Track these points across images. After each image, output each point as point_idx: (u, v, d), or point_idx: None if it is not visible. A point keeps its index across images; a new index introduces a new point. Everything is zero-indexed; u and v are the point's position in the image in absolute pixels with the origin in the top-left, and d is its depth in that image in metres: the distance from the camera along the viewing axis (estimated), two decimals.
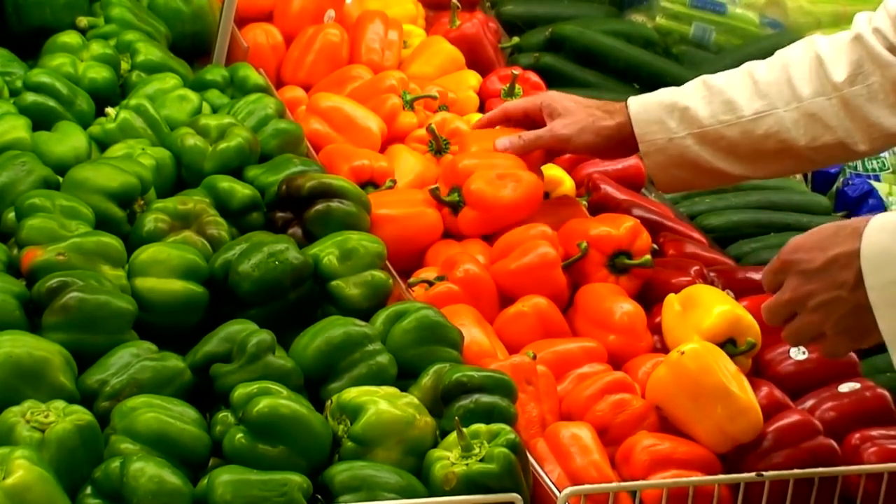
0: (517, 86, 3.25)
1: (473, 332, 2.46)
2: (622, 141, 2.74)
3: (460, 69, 3.33)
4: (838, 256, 1.91)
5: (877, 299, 1.86)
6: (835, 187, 3.54)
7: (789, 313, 1.97)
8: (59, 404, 2.03)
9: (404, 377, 2.28)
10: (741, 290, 2.69)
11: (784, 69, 2.64)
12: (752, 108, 2.64)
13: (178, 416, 2.09)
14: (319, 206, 2.56)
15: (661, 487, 2.24)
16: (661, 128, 2.69)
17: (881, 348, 2.79)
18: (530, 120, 2.83)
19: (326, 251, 2.44)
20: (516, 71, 3.28)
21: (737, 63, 3.75)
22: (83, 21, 2.98)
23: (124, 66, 2.92)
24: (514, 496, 2.09)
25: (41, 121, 2.67)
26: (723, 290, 2.63)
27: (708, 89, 2.69)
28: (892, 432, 2.43)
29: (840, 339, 1.96)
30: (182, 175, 2.66)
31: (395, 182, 2.81)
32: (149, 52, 2.94)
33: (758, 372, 2.53)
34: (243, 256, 2.36)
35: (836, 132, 2.58)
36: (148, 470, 1.98)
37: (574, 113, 2.76)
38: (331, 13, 3.34)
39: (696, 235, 2.99)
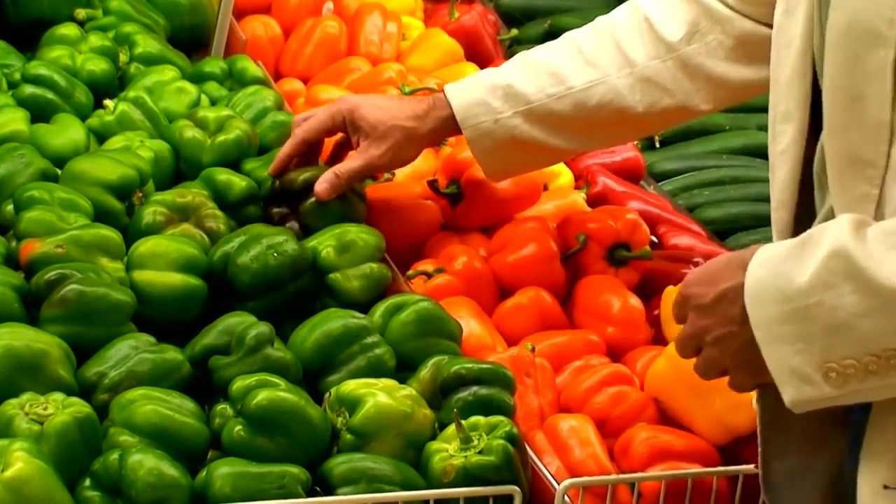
0: None
1: (472, 325, 2.47)
2: (445, 136, 2.63)
3: (459, 61, 3.33)
4: (727, 291, 1.82)
5: (761, 336, 1.76)
6: None
7: (695, 347, 1.88)
8: (58, 397, 2.03)
9: (403, 370, 2.28)
10: None
11: (611, 35, 2.51)
12: (582, 78, 2.49)
13: (176, 409, 2.09)
14: (314, 199, 2.55)
15: (660, 479, 2.25)
16: (484, 109, 2.52)
17: None
18: (334, 133, 2.64)
19: (325, 243, 2.44)
20: None
21: None
22: (81, 13, 2.98)
23: (122, 58, 2.91)
24: (513, 488, 2.09)
25: (39, 113, 2.67)
26: None
27: (530, 64, 2.54)
28: None
29: (741, 374, 1.87)
30: (180, 167, 2.66)
31: (393, 174, 2.80)
32: (147, 44, 2.93)
33: None
34: (242, 249, 2.36)
35: (675, 94, 2.47)
36: (147, 462, 1.98)
37: (384, 129, 2.54)
38: (329, 5, 3.34)
39: (695, 228, 2.99)
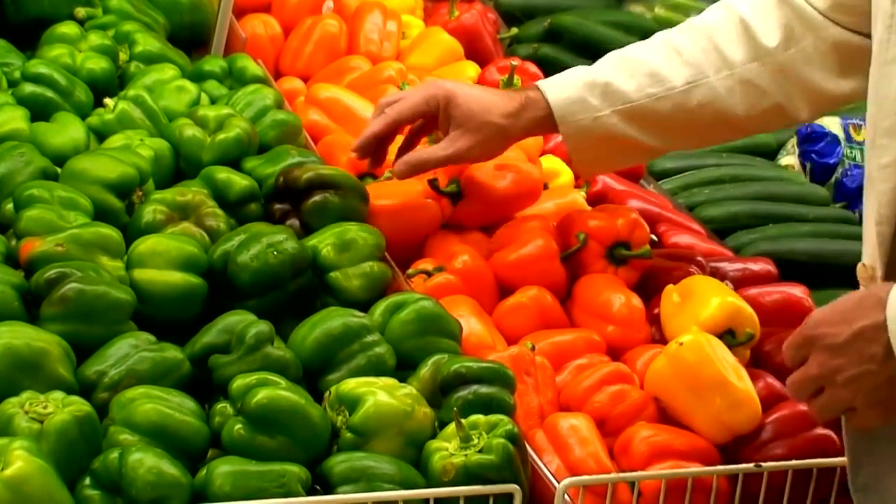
0: (515, 76, 3.25)
1: (472, 323, 2.47)
2: (537, 134, 2.65)
3: (459, 60, 3.33)
4: (864, 329, 1.81)
5: None
6: (833, 178, 3.54)
7: (816, 388, 1.87)
8: (58, 395, 2.03)
9: (403, 368, 2.28)
10: (740, 282, 2.69)
11: (707, 37, 2.50)
12: (681, 79, 2.49)
13: (176, 407, 2.09)
14: (317, 198, 2.55)
15: (660, 478, 2.25)
16: (583, 107, 2.51)
17: None
18: (425, 116, 2.61)
19: (325, 242, 2.44)
20: (515, 62, 3.27)
21: None
22: (81, 12, 2.98)
23: (122, 56, 2.91)
24: (513, 487, 2.09)
25: (39, 112, 2.67)
26: (721, 281, 2.63)
27: (627, 62, 2.53)
28: None
29: (872, 413, 1.86)
30: (180, 166, 2.66)
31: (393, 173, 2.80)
32: (147, 42, 2.93)
33: (756, 363, 2.53)
34: (242, 247, 2.36)
35: (776, 98, 2.47)
36: (146, 461, 1.98)
37: (477, 123, 2.53)
38: (329, 4, 3.34)
39: (695, 226, 2.99)
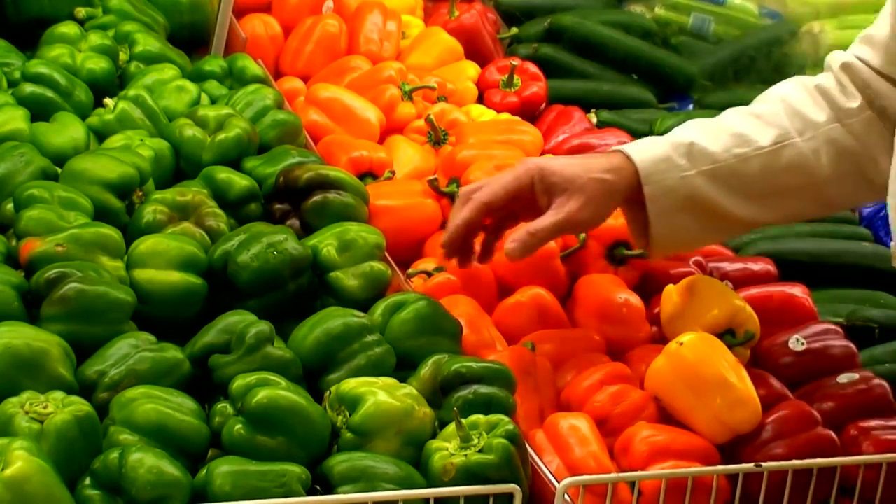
0: (515, 76, 3.25)
1: (472, 323, 2.46)
2: (632, 197, 2.40)
3: (459, 60, 3.33)
4: None
5: None
6: None
7: None
8: (58, 395, 2.03)
9: (403, 368, 2.28)
10: (740, 282, 2.69)
11: (784, 102, 2.44)
12: (768, 139, 2.39)
13: (176, 407, 2.09)
14: (317, 198, 2.55)
15: (660, 478, 2.24)
16: (669, 165, 2.37)
17: (880, 339, 2.81)
18: (516, 201, 2.41)
19: (325, 242, 2.44)
20: (515, 62, 3.28)
21: (736, 53, 3.75)
22: (81, 12, 2.98)
23: (122, 56, 2.91)
24: (513, 487, 2.09)
25: (39, 112, 2.67)
26: (721, 280, 2.63)
27: (708, 125, 2.44)
28: (891, 423, 2.44)
29: None
30: (181, 166, 2.66)
31: (393, 173, 2.80)
32: (147, 42, 2.93)
33: (756, 363, 2.53)
34: (242, 247, 2.36)
35: (861, 156, 2.39)
36: (146, 461, 1.98)
37: (581, 182, 2.36)
38: (329, 4, 3.34)
39: None
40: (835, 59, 2.45)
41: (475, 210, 2.38)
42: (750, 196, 2.41)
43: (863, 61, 2.41)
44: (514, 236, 2.35)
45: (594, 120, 3.26)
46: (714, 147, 2.39)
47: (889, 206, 1.98)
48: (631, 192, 2.39)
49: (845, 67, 2.42)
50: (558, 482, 2.17)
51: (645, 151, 2.40)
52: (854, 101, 2.41)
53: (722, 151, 2.39)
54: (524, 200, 2.40)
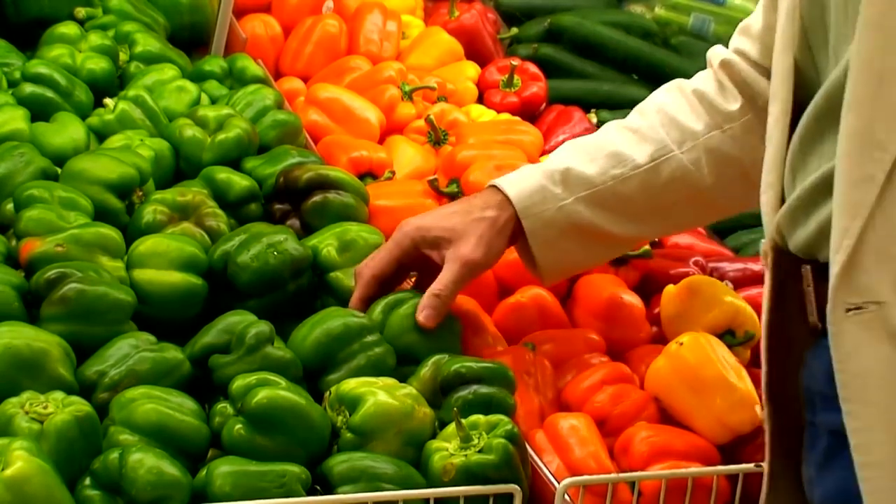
0: (515, 76, 3.25)
1: (472, 323, 2.46)
2: (513, 230, 2.34)
3: (459, 60, 3.33)
4: None
5: None
6: None
7: None
8: (58, 395, 2.03)
9: (403, 363, 2.27)
10: (740, 282, 2.69)
11: (662, 112, 2.36)
12: (645, 155, 2.32)
13: (176, 408, 2.09)
14: (317, 198, 2.55)
15: (660, 478, 2.24)
16: (544, 196, 2.31)
17: None
18: (405, 266, 2.39)
19: (325, 242, 2.44)
20: (515, 62, 3.28)
21: None
22: (81, 12, 2.98)
23: (123, 56, 2.92)
24: (513, 487, 2.09)
25: (39, 112, 2.67)
26: (721, 281, 2.63)
27: (583, 147, 2.36)
28: None
29: None
30: (181, 166, 2.66)
31: (393, 173, 2.81)
32: (147, 42, 2.93)
33: (756, 363, 2.53)
34: (242, 247, 2.36)
35: (742, 162, 2.31)
36: (147, 461, 1.98)
37: (463, 227, 2.31)
38: (329, 4, 3.34)
39: None
40: (715, 55, 2.38)
41: (366, 286, 2.35)
42: (633, 215, 2.36)
43: (742, 54, 2.34)
44: (422, 304, 2.30)
45: (594, 120, 3.26)
46: (590, 171, 2.33)
47: (761, 201, 1.95)
48: (516, 224, 2.34)
49: (724, 65, 2.35)
50: (558, 482, 2.17)
51: (518, 184, 2.34)
52: (734, 104, 2.33)
53: (598, 174, 2.33)
54: (417, 263, 2.37)
